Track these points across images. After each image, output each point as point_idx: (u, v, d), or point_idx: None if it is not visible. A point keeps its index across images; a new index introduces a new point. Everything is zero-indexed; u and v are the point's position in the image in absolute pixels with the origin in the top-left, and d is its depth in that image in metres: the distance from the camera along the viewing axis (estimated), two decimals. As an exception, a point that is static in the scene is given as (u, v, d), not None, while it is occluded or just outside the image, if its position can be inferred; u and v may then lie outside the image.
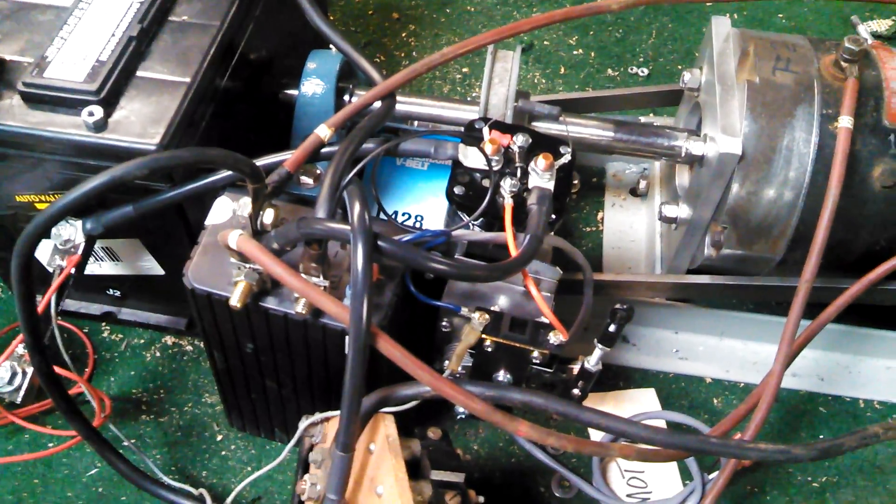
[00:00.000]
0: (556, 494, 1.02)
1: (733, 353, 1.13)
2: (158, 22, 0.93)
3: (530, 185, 0.85)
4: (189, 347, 1.11)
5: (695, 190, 1.03)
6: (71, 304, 1.11)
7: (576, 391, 0.86)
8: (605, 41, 1.48)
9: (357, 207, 0.69)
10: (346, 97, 1.08)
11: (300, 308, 0.77)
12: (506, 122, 0.99)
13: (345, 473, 0.71)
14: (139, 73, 0.89)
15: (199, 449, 1.04)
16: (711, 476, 0.99)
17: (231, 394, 0.97)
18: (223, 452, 1.03)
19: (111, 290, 1.07)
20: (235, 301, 0.77)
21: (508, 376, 0.86)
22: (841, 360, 1.13)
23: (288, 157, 0.83)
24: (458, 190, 0.85)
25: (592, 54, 1.46)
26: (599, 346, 0.82)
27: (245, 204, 0.80)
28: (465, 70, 1.42)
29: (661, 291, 1.09)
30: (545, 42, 1.47)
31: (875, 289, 0.96)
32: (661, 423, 1.05)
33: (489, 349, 0.83)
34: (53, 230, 0.90)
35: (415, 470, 0.72)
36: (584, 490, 1.00)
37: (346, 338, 0.80)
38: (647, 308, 1.11)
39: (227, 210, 0.85)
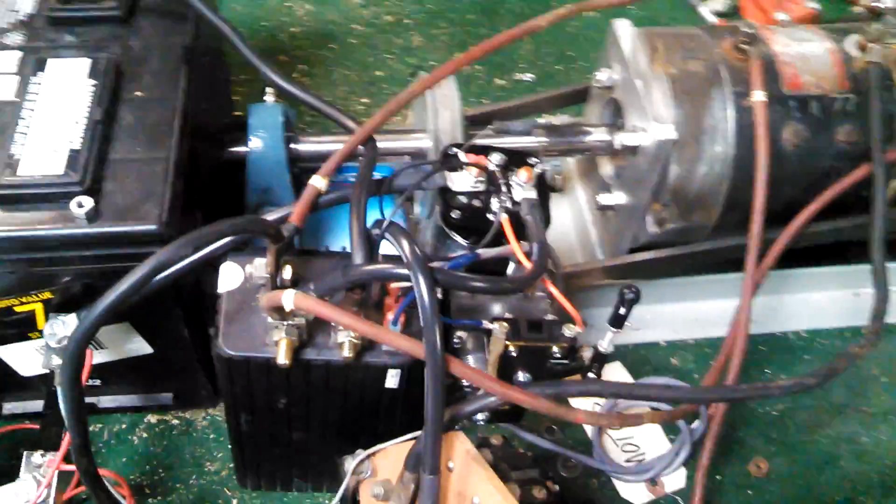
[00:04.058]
0: (563, 475, 1.09)
1: (676, 315, 1.26)
2: (116, 102, 0.92)
3: (517, 199, 0.92)
4: (175, 421, 1.10)
5: (630, 177, 1.13)
6: (30, 406, 1.06)
7: (591, 374, 0.94)
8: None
9: (407, 244, 0.74)
10: (293, 145, 1.10)
11: (346, 352, 0.80)
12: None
13: (436, 494, 0.75)
14: (114, 156, 0.88)
15: (218, 518, 1.03)
16: (694, 426, 1.10)
17: (252, 454, 0.97)
18: (243, 515, 1.03)
19: (90, 381, 1.04)
20: (283, 359, 0.78)
21: (528, 375, 0.92)
22: (767, 303, 1.27)
23: (288, 212, 0.85)
24: (454, 215, 0.91)
25: (478, 67, 1.55)
26: (610, 329, 0.90)
27: (260, 265, 0.82)
28: (364, 100, 1.47)
29: (615, 274, 1.18)
30: (431, 63, 1.54)
31: (803, 233, 1.10)
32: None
33: (513, 354, 0.89)
34: (47, 329, 0.87)
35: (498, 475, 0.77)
36: (588, 464, 1.08)
37: (389, 371, 0.84)
38: (596, 291, 1.21)
39: (237, 274, 0.86)
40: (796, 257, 1.26)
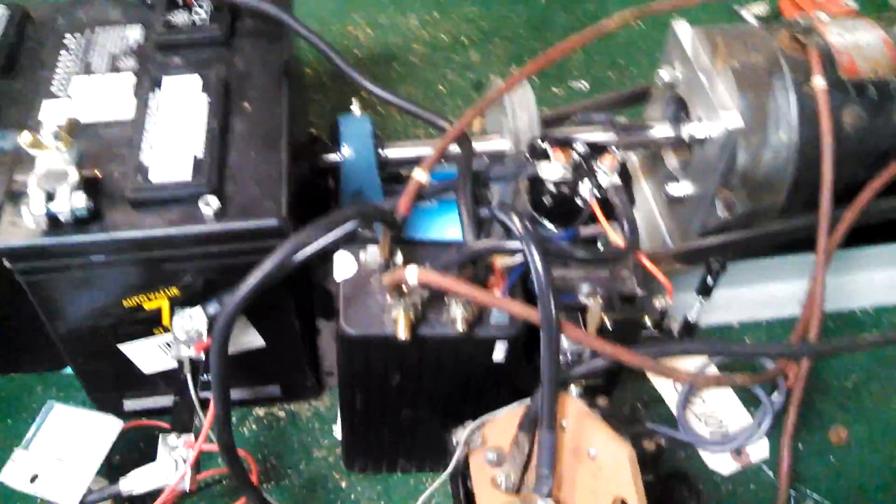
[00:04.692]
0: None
1: (748, 296, 1.31)
2: (228, 114, 1.00)
3: (603, 184, 0.98)
4: (281, 413, 1.17)
5: (698, 166, 1.19)
6: (149, 402, 1.14)
7: (681, 345, 1.00)
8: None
9: (517, 219, 0.80)
10: (380, 151, 1.18)
11: (459, 326, 0.87)
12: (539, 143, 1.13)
13: (554, 449, 0.81)
14: (232, 161, 0.95)
15: (329, 500, 1.09)
16: (773, 397, 1.15)
17: (363, 435, 1.04)
18: (353, 496, 1.09)
19: (205, 376, 1.11)
20: (403, 334, 0.85)
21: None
22: (832, 282, 1.31)
23: (393, 205, 0.93)
24: (546, 201, 0.97)
25: (535, 79, 1.62)
26: (700, 297, 0.96)
27: (374, 251, 0.90)
28: (431, 114, 1.55)
29: (686, 259, 1.24)
30: (492, 77, 1.62)
31: (866, 210, 1.16)
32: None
33: (610, 326, 0.95)
34: (176, 322, 0.95)
35: (609, 429, 0.83)
36: (675, 437, 1.13)
37: (497, 344, 0.90)
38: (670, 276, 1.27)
39: (350, 263, 0.93)
40: (857, 238, 1.32)
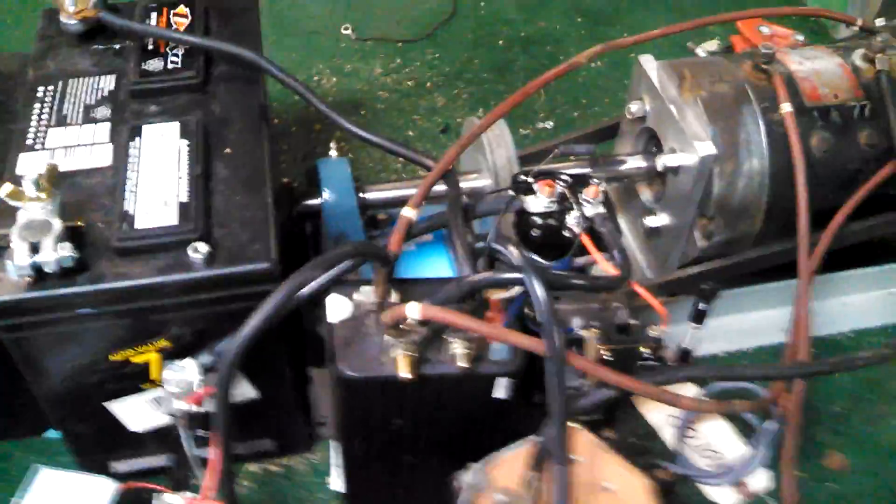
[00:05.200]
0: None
1: (731, 326, 1.32)
2: (209, 159, 0.98)
3: (588, 214, 0.99)
4: (275, 468, 1.13)
5: (673, 197, 1.21)
6: (139, 463, 1.09)
7: (676, 373, 1.00)
8: (506, 108, 1.67)
9: (515, 250, 0.80)
10: (361, 194, 1.17)
11: (460, 362, 0.85)
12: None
13: (568, 484, 0.80)
14: (217, 206, 0.94)
15: (330, 556, 1.06)
16: (766, 425, 1.15)
17: (364, 484, 1.01)
18: (355, 548, 1.06)
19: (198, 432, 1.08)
20: (405, 373, 0.83)
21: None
22: (810, 307, 1.35)
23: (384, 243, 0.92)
24: (534, 233, 0.98)
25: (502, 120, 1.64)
26: (692, 325, 0.96)
27: (368, 291, 0.89)
28: (401, 159, 1.55)
29: (666, 291, 1.25)
30: (458, 119, 1.64)
31: (841, 234, 1.19)
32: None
33: (609, 358, 0.95)
34: (167, 375, 0.92)
35: (619, 463, 0.83)
36: (673, 470, 1.12)
37: (497, 380, 0.89)
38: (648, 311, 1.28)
39: (344, 304, 0.91)
40: (832, 263, 1.34)
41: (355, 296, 0.90)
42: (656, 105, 1.23)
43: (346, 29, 1.80)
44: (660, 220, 1.25)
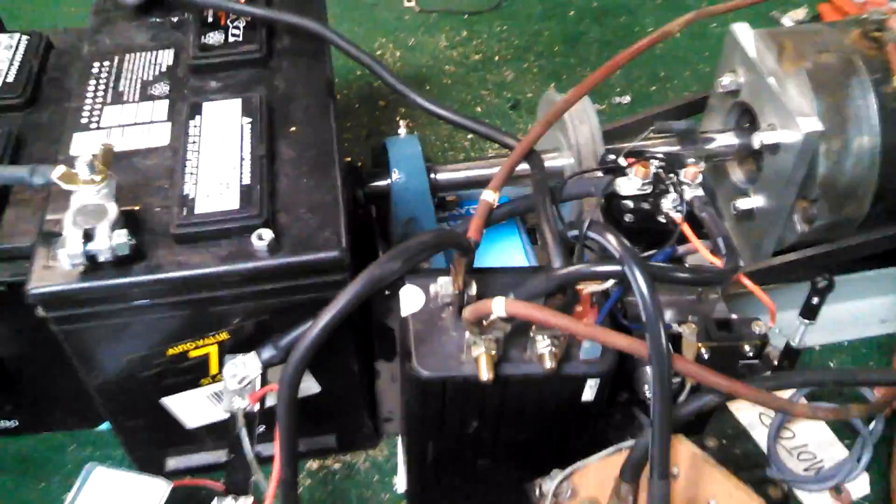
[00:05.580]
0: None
1: (828, 317, 1.20)
2: (274, 138, 0.92)
3: (686, 197, 0.90)
4: (336, 465, 1.07)
5: (771, 177, 1.11)
6: (195, 460, 1.04)
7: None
8: (579, 81, 1.55)
9: (615, 239, 0.72)
10: (432, 175, 1.10)
11: (547, 363, 0.77)
12: (599, 155, 1.05)
13: (667, 500, 0.71)
14: (282, 189, 0.87)
15: (394, 561, 1.00)
16: (871, 427, 1.06)
17: (433, 489, 0.94)
18: (420, 553, 1.00)
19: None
20: (486, 374, 0.76)
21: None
22: (911, 298, 1.24)
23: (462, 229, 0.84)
24: (627, 218, 0.89)
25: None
26: (803, 321, 0.87)
27: (445, 283, 0.81)
28: (469, 136, 1.47)
29: (758, 280, 1.15)
30: (528, 95, 1.55)
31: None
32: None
33: (705, 356, 0.86)
34: (227, 371, 0.86)
35: (726, 477, 0.74)
36: (767, 476, 1.03)
37: (588, 382, 0.81)
38: (740, 298, 1.18)
39: (417, 296, 0.84)
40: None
41: (431, 287, 0.82)
42: (752, 78, 1.12)
43: (409, 1, 1.72)
44: (754, 202, 1.15)
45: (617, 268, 0.71)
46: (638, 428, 1.03)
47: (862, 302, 1.23)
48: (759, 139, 1.09)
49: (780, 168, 1.08)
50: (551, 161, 1.10)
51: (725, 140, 1.17)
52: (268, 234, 0.81)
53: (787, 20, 1.70)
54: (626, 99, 1.54)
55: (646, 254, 0.83)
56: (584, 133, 1.07)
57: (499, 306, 0.72)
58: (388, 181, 1.06)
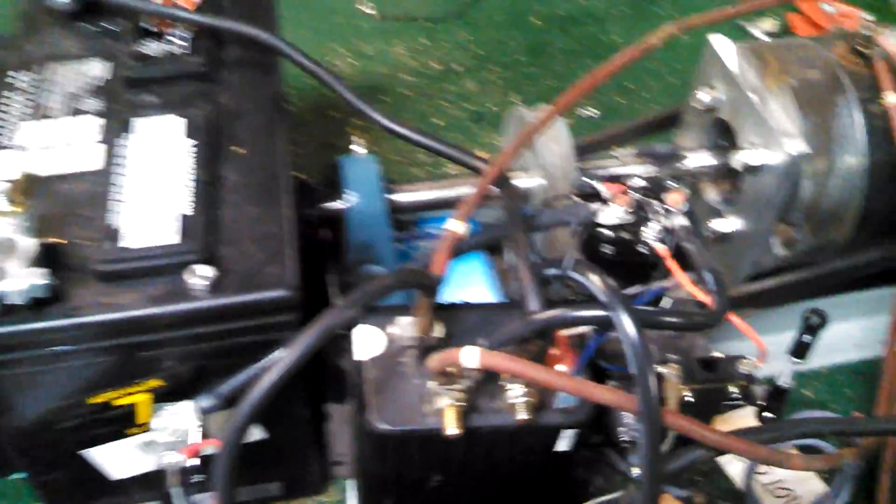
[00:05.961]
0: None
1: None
2: (217, 161, 0.83)
3: (670, 226, 0.83)
4: (279, 514, 0.98)
5: (750, 199, 1.05)
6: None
7: (769, 415, 0.84)
8: (544, 94, 1.51)
9: (601, 281, 0.64)
10: (390, 196, 1.02)
11: (521, 414, 0.70)
12: (571, 177, 0.98)
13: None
14: (226, 219, 0.78)
15: None
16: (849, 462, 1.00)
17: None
18: None
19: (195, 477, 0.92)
20: (453, 428, 0.68)
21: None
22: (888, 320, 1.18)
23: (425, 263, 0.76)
24: (607, 250, 0.82)
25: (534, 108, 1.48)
26: (793, 359, 0.81)
27: (406, 324, 0.73)
28: (429, 151, 1.39)
29: (748, 303, 1.09)
30: (492, 108, 1.48)
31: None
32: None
33: (690, 399, 0.79)
34: (157, 423, 0.77)
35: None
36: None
37: (562, 432, 0.74)
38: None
39: (375, 338, 0.76)
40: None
41: (390, 328, 0.75)
42: (733, 93, 1.06)
43: (367, 7, 1.63)
44: (730, 224, 1.09)
45: (603, 313, 0.63)
46: (609, 468, 0.96)
47: (837, 327, 1.16)
48: (739, 160, 1.02)
49: (760, 190, 1.02)
50: (520, 182, 1.03)
51: (702, 159, 1.11)
52: (209, 270, 0.73)
53: (757, 30, 1.66)
54: (595, 112, 1.47)
55: (629, 291, 0.76)
56: (554, 153, 1.00)
57: (470, 357, 0.64)
58: (342, 204, 0.98)
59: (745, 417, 0.91)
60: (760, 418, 0.84)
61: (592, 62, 1.57)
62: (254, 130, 0.86)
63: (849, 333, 1.19)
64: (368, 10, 1.63)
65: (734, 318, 0.76)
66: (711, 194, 1.16)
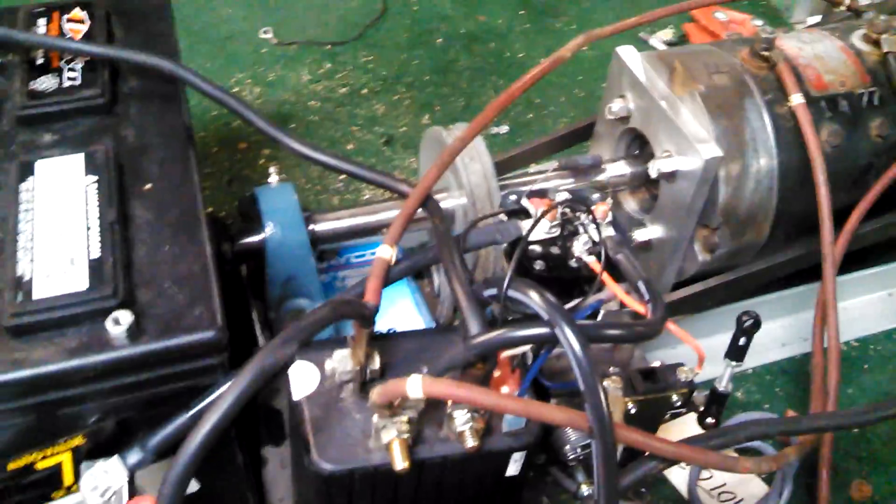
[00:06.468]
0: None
1: (725, 346, 1.17)
2: (125, 198, 0.78)
3: (598, 239, 0.82)
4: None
5: (668, 206, 1.06)
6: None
7: (710, 419, 0.84)
8: (453, 111, 1.50)
9: (542, 299, 0.63)
10: (311, 226, 0.98)
11: (469, 442, 0.68)
12: (494, 195, 0.97)
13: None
14: (140, 259, 0.73)
15: None
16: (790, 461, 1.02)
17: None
18: None
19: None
20: (401, 463, 0.65)
21: (642, 433, 0.82)
22: (808, 318, 1.21)
23: (357, 292, 0.74)
24: (538, 266, 0.80)
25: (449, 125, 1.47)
26: (730, 363, 0.81)
27: (343, 357, 0.70)
28: (342, 177, 1.36)
29: (678, 309, 1.10)
30: (402, 129, 1.46)
31: (855, 235, 1.06)
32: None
33: (632, 411, 0.79)
34: (87, 482, 0.71)
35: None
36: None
37: (513, 456, 0.72)
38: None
39: (311, 374, 0.73)
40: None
41: (327, 363, 0.71)
42: (643, 102, 1.07)
43: (267, 33, 1.59)
44: (651, 232, 1.10)
45: (546, 331, 0.62)
46: (556, 488, 0.95)
47: (763, 327, 1.20)
48: (655, 167, 1.03)
49: (677, 196, 1.03)
50: (442, 203, 1.01)
51: (618, 169, 1.12)
52: (126, 317, 0.68)
53: (656, 41, 1.69)
54: (504, 129, 1.47)
55: (567, 306, 0.75)
56: (476, 172, 0.99)
57: (415, 387, 0.61)
58: (261, 236, 0.94)
59: (687, 423, 0.92)
60: (702, 424, 0.84)
61: (498, 78, 1.58)
62: (162, 164, 0.82)
63: (774, 332, 1.21)
64: (267, 36, 1.59)
65: (672, 326, 0.76)
66: (631, 204, 1.17)
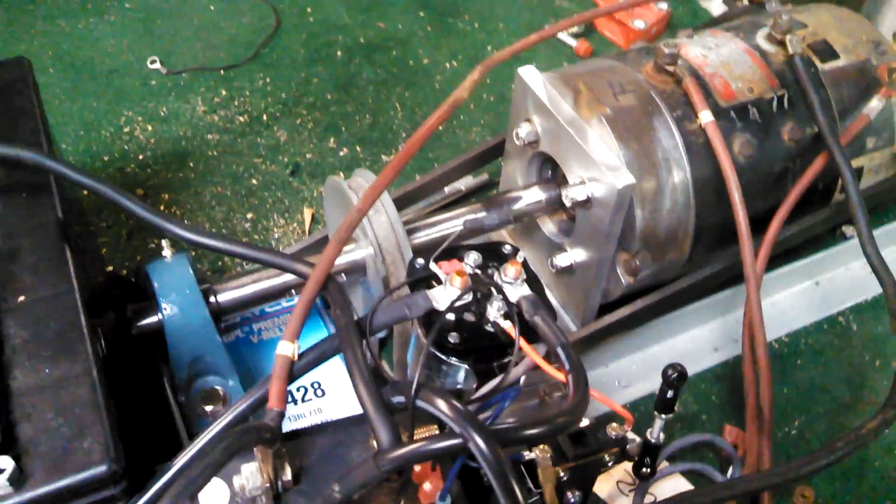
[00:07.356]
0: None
1: (661, 357, 1.16)
2: (-5, 317, 0.71)
3: (513, 299, 0.78)
4: None
5: (587, 230, 1.02)
6: None
7: (645, 469, 0.82)
8: (361, 133, 1.44)
9: (449, 407, 0.59)
10: (212, 299, 0.92)
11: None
12: (403, 245, 0.93)
13: None
14: (17, 388, 0.67)
15: None
16: (730, 473, 1.01)
17: None
18: None
19: None
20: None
21: (577, 494, 0.79)
22: (737, 319, 1.20)
23: (259, 396, 0.69)
24: (452, 339, 0.76)
25: (358, 148, 1.41)
26: (660, 415, 0.78)
27: (251, 472, 0.65)
28: (249, 215, 1.29)
29: (594, 341, 1.08)
30: (308, 156, 1.39)
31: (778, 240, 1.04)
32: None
33: (564, 478, 0.76)
34: None
35: None
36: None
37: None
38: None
39: (219, 492, 0.68)
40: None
41: (235, 479, 0.66)
42: (550, 126, 1.03)
43: (154, 63, 1.49)
44: (572, 256, 1.07)
45: (458, 441, 0.58)
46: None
47: (692, 334, 1.19)
48: (569, 196, 1.00)
49: (595, 223, 1.00)
50: (349, 256, 0.96)
51: (533, 196, 1.08)
52: (6, 462, 0.62)
53: (563, 34, 1.64)
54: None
55: (483, 390, 0.71)
56: (382, 224, 0.93)
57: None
58: (158, 318, 0.88)
59: (621, 471, 0.90)
60: (638, 474, 0.82)
61: (404, 90, 1.52)
62: (35, 270, 0.75)
63: (705, 338, 1.20)
64: (155, 66, 1.49)
65: (596, 394, 0.73)
66: (549, 227, 1.14)
